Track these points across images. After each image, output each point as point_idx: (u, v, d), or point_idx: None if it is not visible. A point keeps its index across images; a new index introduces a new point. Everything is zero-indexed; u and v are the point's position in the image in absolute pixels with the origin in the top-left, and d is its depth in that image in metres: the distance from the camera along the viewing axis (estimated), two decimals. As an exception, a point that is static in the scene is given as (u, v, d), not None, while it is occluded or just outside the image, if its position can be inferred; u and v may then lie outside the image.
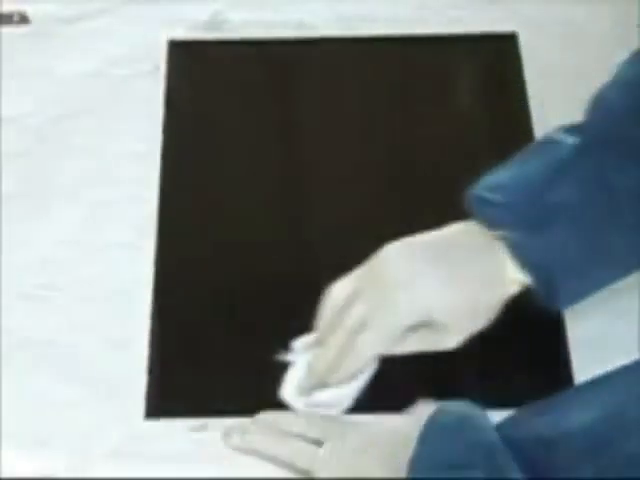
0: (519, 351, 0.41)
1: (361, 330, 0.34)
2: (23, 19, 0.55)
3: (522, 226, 0.33)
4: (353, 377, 0.35)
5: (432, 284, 0.35)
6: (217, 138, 0.51)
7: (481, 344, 0.36)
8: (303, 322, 0.38)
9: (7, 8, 0.54)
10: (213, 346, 0.42)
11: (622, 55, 0.39)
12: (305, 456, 0.33)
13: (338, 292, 0.36)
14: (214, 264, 0.45)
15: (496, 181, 0.35)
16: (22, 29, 0.55)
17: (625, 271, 0.36)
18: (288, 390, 0.37)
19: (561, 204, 0.34)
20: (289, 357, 0.37)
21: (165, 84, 0.52)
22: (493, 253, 0.34)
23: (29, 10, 0.55)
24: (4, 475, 0.38)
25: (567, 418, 0.28)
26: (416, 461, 0.28)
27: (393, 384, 0.38)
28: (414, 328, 0.35)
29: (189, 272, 0.44)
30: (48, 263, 0.44)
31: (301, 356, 0.37)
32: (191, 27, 0.55)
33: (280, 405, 0.37)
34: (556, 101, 0.50)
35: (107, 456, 0.37)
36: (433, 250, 0.36)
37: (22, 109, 0.50)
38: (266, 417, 0.36)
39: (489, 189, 0.35)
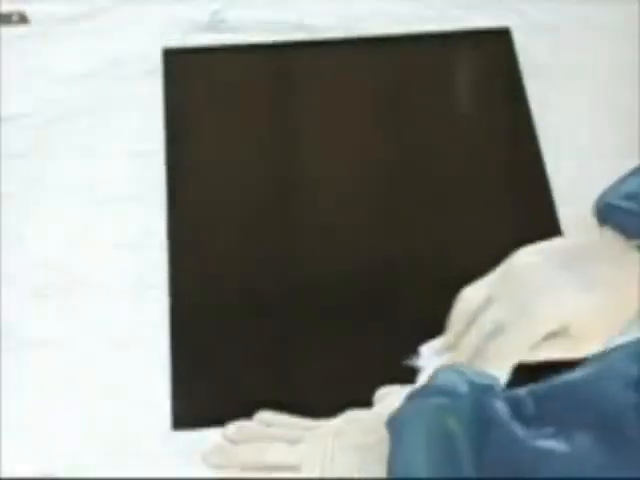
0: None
1: (496, 335, 0.34)
2: (22, 19, 0.55)
3: None
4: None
5: (571, 291, 0.34)
6: (218, 139, 0.51)
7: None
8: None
9: (6, 8, 0.54)
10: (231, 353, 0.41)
11: (621, 52, 0.38)
12: (293, 453, 0.33)
13: (471, 297, 0.35)
14: (222, 264, 0.45)
15: (630, 189, 0.35)
16: (21, 29, 0.55)
17: None
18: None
19: None
20: (419, 362, 0.36)
21: (163, 87, 0.51)
22: (630, 261, 0.34)
23: (28, 10, 0.55)
24: (4, 475, 0.38)
25: (559, 378, 0.28)
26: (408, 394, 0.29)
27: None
28: (551, 335, 0.35)
29: (200, 273, 0.44)
30: (48, 263, 0.44)
31: (430, 361, 0.36)
32: (189, 27, 0.55)
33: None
34: (554, 96, 0.49)
35: (106, 456, 0.37)
36: (569, 257, 0.35)
37: (22, 109, 0.50)
38: (242, 427, 0.36)
39: (623, 198, 0.34)
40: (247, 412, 0.36)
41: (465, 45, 0.55)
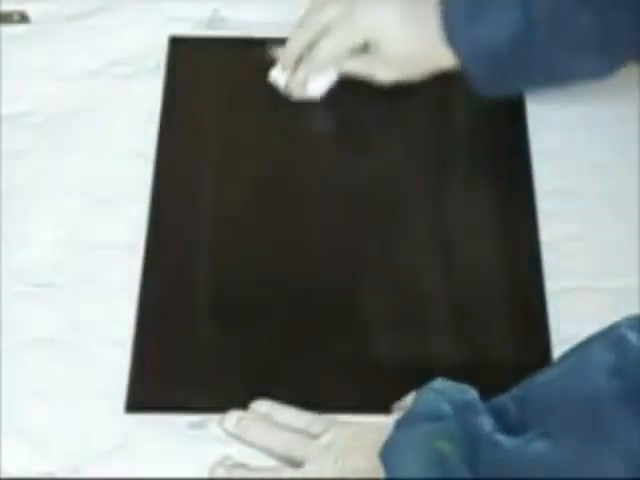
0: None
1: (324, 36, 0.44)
2: (23, 18, 0.55)
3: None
4: (320, 69, 0.46)
5: (393, 16, 0.44)
6: (215, 137, 0.51)
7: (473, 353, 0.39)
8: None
9: (7, 7, 0.54)
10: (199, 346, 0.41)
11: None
12: (299, 447, 0.33)
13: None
14: (206, 264, 0.45)
15: None
16: (22, 28, 0.55)
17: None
18: (275, 72, 0.48)
19: None
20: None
21: (164, 81, 0.51)
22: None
23: (29, 9, 0.55)
24: (4, 475, 0.38)
25: (536, 376, 0.29)
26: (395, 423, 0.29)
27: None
28: (364, 50, 0.45)
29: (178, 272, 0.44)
30: (47, 262, 0.44)
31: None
32: (192, 25, 0.55)
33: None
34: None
35: (106, 456, 0.37)
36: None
37: (22, 108, 0.50)
38: (260, 406, 0.36)
39: None
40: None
41: None
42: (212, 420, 0.37)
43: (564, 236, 0.44)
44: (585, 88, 0.47)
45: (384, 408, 0.35)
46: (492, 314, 0.42)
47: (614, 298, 0.40)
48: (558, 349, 0.37)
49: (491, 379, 0.31)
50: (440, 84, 0.48)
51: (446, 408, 0.28)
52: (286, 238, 0.46)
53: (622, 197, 0.45)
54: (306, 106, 0.50)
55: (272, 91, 0.50)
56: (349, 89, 0.50)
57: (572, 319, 0.40)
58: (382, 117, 0.51)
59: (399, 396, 0.35)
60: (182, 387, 0.39)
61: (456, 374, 0.33)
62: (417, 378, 0.33)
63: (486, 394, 0.30)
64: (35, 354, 0.40)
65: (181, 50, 0.54)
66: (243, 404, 0.37)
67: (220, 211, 0.47)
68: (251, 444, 0.35)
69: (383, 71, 0.46)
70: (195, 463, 0.35)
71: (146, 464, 0.36)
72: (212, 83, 0.53)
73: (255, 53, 0.51)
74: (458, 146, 0.51)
